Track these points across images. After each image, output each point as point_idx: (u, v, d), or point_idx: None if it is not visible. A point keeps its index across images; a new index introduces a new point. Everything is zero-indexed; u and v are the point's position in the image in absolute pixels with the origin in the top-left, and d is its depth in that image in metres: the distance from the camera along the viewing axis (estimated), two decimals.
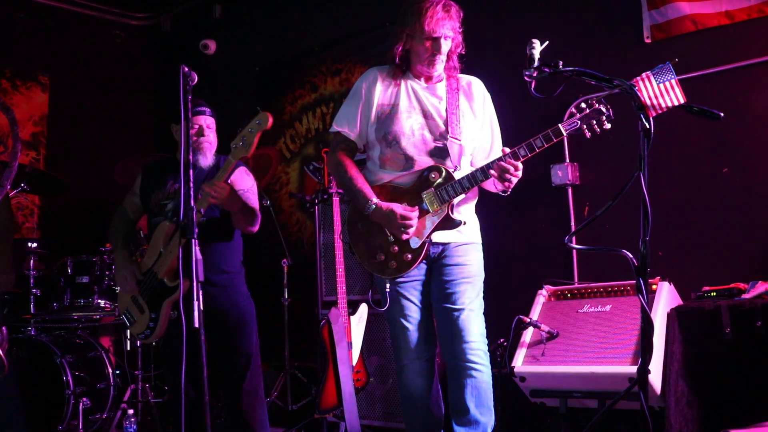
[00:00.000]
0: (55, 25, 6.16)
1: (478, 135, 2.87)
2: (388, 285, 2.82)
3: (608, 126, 2.53)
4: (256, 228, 3.29)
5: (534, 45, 2.30)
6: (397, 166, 2.80)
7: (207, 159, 3.29)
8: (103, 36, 6.48)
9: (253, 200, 3.31)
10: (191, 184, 2.49)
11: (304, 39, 5.61)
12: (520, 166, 2.63)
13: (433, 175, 2.73)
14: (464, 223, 2.75)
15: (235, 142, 2.87)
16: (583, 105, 2.54)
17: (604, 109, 2.52)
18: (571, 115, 2.57)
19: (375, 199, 2.73)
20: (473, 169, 2.74)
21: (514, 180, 2.65)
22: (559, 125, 2.57)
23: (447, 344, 2.79)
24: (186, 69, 2.56)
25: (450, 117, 2.78)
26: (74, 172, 5.81)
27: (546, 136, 2.58)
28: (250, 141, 2.84)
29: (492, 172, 2.64)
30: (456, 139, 2.76)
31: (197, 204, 2.67)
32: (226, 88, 5.91)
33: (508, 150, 2.65)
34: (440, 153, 2.78)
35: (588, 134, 2.55)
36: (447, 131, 2.77)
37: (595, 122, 2.54)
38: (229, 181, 3.05)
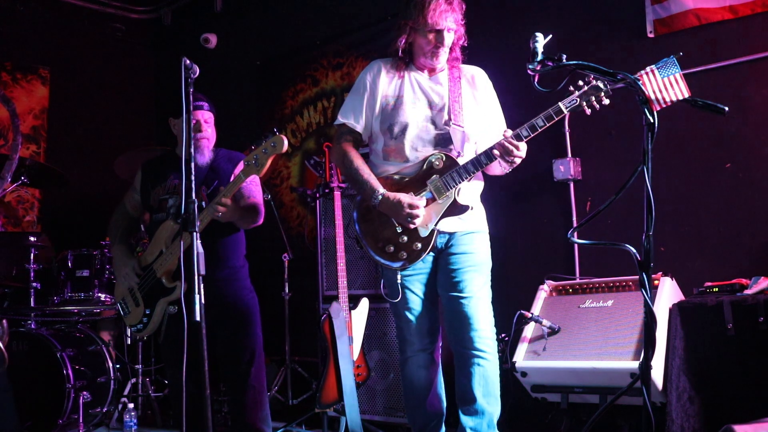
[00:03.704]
0: (55, 18, 6.15)
1: (482, 123, 2.86)
2: (399, 277, 2.82)
3: (607, 101, 2.54)
4: (260, 221, 3.28)
5: (537, 39, 2.29)
6: (401, 157, 2.81)
7: (204, 156, 3.26)
8: (103, 29, 6.46)
9: (256, 192, 3.29)
10: (192, 178, 2.47)
11: (305, 33, 5.60)
12: (523, 146, 2.64)
13: (437, 163, 2.74)
14: (471, 208, 2.75)
15: (248, 159, 2.86)
16: (581, 82, 2.55)
17: (601, 85, 2.53)
18: (570, 93, 2.57)
19: (381, 190, 2.74)
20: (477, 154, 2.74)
21: (518, 160, 2.67)
22: (559, 103, 2.58)
23: (455, 332, 2.79)
24: (188, 62, 2.54)
25: (453, 105, 2.79)
26: (75, 165, 5.80)
27: (547, 115, 2.59)
28: (262, 162, 2.84)
29: (495, 151, 2.64)
30: (459, 125, 2.76)
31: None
32: (227, 82, 5.90)
33: (510, 132, 2.65)
34: (444, 141, 2.79)
35: (588, 111, 2.57)
36: (450, 119, 2.78)
37: (593, 98, 2.54)
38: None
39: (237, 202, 3.22)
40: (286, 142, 2.80)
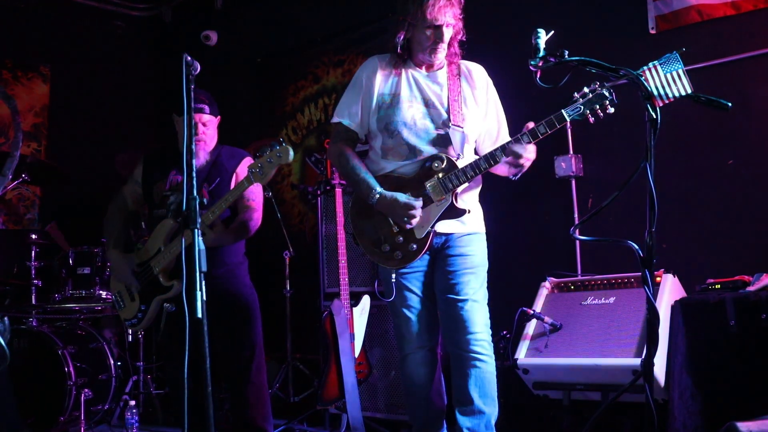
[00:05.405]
0: (56, 16, 6.14)
1: (482, 122, 2.84)
2: (393, 275, 2.81)
3: (612, 110, 2.49)
4: (251, 233, 3.28)
5: (539, 35, 2.28)
6: (400, 156, 2.78)
7: (199, 159, 3.26)
8: (104, 27, 6.45)
9: (256, 194, 3.28)
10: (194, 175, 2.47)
11: (306, 30, 5.59)
12: (531, 148, 2.61)
13: (436, 164, 2.71)
14: (469, 212, 2.73)
15: (253, 167, 2.86)
16: (587, 90, 2.51)
17: (607, 93, 2.47)
18: (575, 100, 2.53)
19: (379, 189, 2.71)
20: (477, 157, 2.72)
21: (527, 164, 2.63)
22: (563, 111, 2.53)
23: (451, 335, 2.77)
24: (189, 58, 2.53)
25: (452, 104, 2.76)
26: (75, 163, 5.78)
27: (549, 122, 2.55)
28: (267, 172, 2.84)
29: (506, 157, 2.61)
30: (458, 126, 2.74)
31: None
32: (227, 79, 5.89)
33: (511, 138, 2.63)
34: (442, 141, 2.76)
35: (591, 119, 2.51)
36: (449, 119, 2.75)
37: (598, 107, 2.49)
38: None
39: (227, 222, 3.22)
40: (292, 154, 2.79)
